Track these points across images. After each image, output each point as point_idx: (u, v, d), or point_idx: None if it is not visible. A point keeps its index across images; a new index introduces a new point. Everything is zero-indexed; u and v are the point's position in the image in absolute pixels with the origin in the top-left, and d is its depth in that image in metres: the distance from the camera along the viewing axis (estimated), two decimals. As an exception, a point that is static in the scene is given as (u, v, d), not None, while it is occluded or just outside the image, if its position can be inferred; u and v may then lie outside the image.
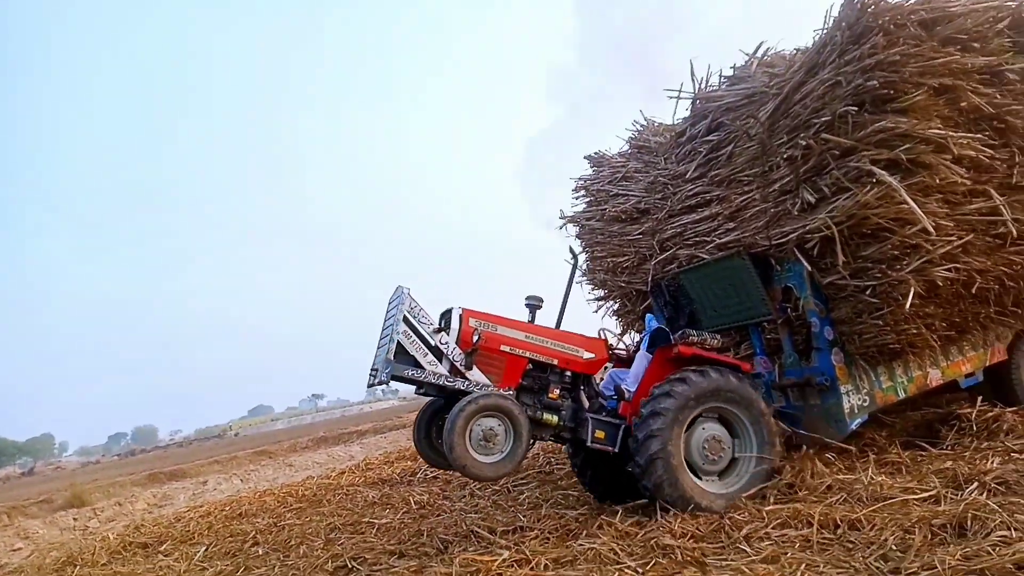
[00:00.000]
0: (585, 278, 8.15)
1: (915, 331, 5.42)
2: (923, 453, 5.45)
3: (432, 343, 5.05)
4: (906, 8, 5.17)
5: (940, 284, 5.29)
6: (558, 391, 5.36)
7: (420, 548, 5.69)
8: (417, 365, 4.96)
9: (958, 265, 5.36)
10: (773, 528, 4.32)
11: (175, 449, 47.96)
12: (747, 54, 6.73)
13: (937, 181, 5.18)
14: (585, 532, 4.91)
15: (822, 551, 3.88)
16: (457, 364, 5.03)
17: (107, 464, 48.23)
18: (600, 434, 5.29)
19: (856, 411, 5.73)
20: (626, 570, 4.05)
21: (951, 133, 5.11)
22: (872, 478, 4.84)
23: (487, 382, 5.08)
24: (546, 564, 4.32)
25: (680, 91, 6.87)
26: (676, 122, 7.27)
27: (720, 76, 6.85)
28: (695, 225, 6.59)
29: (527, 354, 5.30)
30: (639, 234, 7.23)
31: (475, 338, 5.08)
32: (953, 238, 5.27)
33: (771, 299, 6.04)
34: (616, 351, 6.13)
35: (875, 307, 5.37)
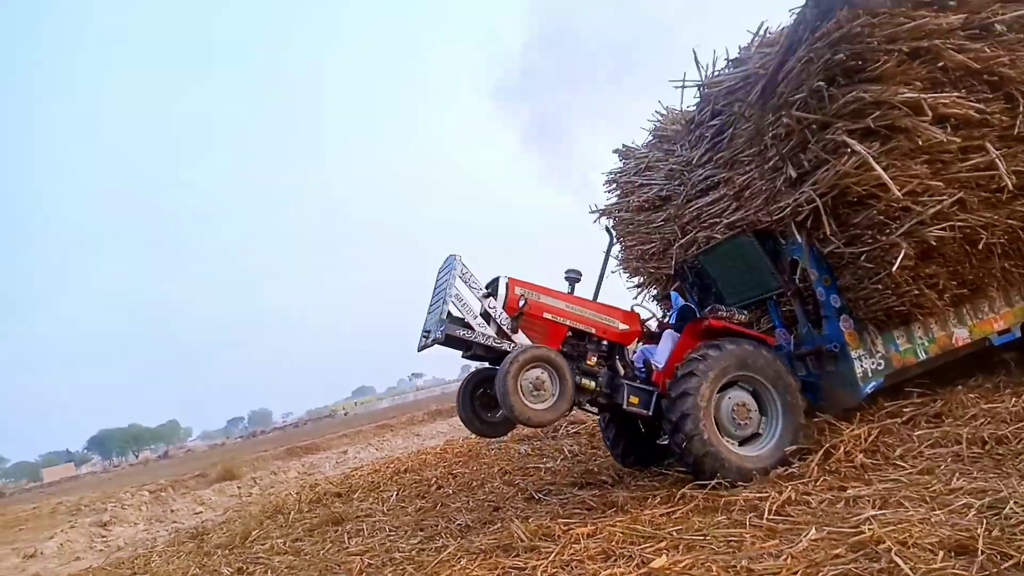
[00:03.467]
0: (622, 267, 8.56)
1: (916, 292, 5.53)
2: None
3: (481, 307, 5.50)
4: None
5: (935, 244, 5.38)
6: (595, 358, 5.73)
7: (597, 478, 6.63)
8: (467, 327, 5.38)
9: (958, 223, 5.42)
10: (925, 447, 4.96)
11: (292, 430, 50.95)
12: (752, 32, 6.92)
13: (920, 143, 5.28)
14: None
15: (973, 463, 4.48)
16: (504, 327, 5.45)
17: (232, 445, 51.87)
18: (635, 399, 5.64)
19: (870, 375, 5.87)
20: (799, 484, 4.80)
21: (924, 95, 5.19)
22: (1014, 403, 5.26)
23: (534, 344, 5.45)
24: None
25: (684, 80, 7.15)
26: (689, 108, 7.58)
27: (726, 60, 7.10)
28: (708, 207, 6.89)
29: (567, 322, 5.68)
30: (662, 221, 7.59)
31: (521, 303, 5.48)
32: (944, 197, 5.34)
33: (781, 272, 6.26)
34: (647, 326, 6.42)
35: (873, 272, 5.52)
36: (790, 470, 5.22)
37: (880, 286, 5.54)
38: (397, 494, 8.51)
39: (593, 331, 5.76)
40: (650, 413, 5.63)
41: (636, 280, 8.54)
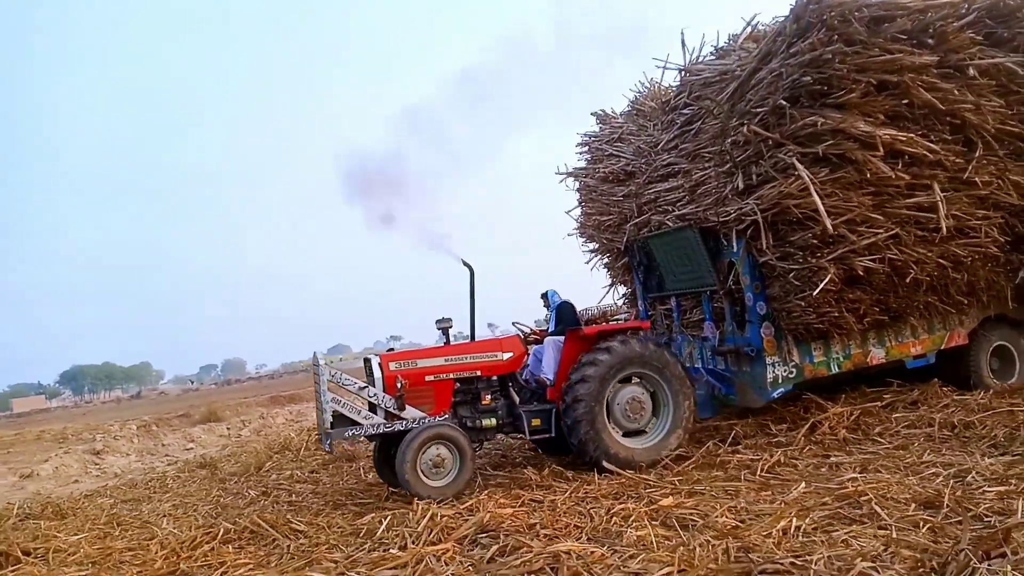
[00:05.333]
0: (579, 231, 8.69)
1: (836, 314, 5.78)
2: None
3: (363, 397, 5.63)
4: (853, 3, 5.28)
5: (863, 273, 5.59)
6: (489, 396, 5.94)
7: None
8: (356, 423, 5.55)
9: (889, 256, 5.62)
10: (902, 428, 5.66)
11: (267, 380, 51.87)
12: (746, 21, 6.85)
13: (868, 175, 5.40)
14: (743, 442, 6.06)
15: (943, 443, 5.19)
16: (391, 410, 5.59)
17: (206, 391, 51.92)
18: (536, 422, 5.88)
19: (780, 381, 6.19)
20: (787, 450, 5.47)
21: (880, 130, 5.27)
22: (982, 396, 6.03)
23: (422, 414, 5.64)
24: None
25: (667, 61, 7.09)
26: (669, 87, 7.56)
27: (713, 48, 7.04)
28: (666, 194, 6.97)
29: (451, 376, 5.84)
30: (623, 195, 7.67)
31: (399, 383, 5.59)
32: (881, 231, 5.52)
33: (718, 271, 6.47)
34: (530, 338, 6.67)
35: (799, 289, 5.74)
36: (778, 438, 5.92)
37: (803, 303, 5.77)
38: None
39: (479, 372, 5.90)
40: (553, 433, 5.86)
41: (591, 246, 8.69)
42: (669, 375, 5.83)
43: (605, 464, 5.52)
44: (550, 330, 6.62)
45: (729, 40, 7.05)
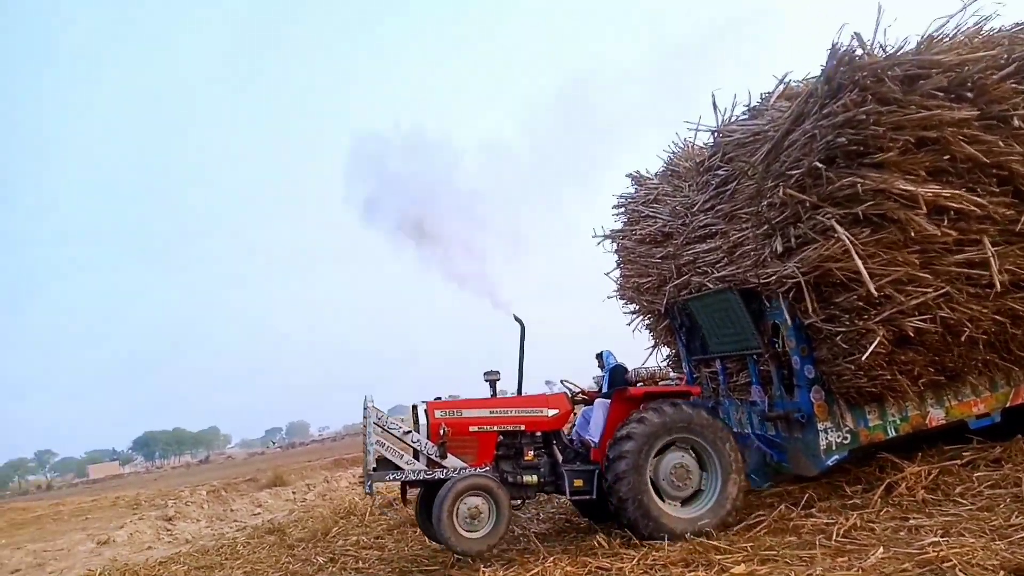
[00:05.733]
0: (618, 293, 8.63)
1: (889, 377, 5.55)
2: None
3: (407, 443, 5.66)
4: (886, 63, 5.21)
5: (913, 334, 5.38)
6: (532, 452, 5.88)
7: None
8: (397, 467, 5.58)
9: (941, 315, 5.41)
10: (985, 487, 5.29)
11: (329, 443, 53.14)
12: (778, 79, 6.83)
13: (912, 234, 5.25)
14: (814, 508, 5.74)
15: None
16: (433, 457, 5.62)
17: (271, 455, 53.71)
18: (578, 483, 5.77)
19: (834, 448, 5.93)
20: (863, 513, 5.20)
21: (922, 189, 5.13)
22: None
23: (463, 464, 5.64)
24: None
25: (698, 124, 7.11)
26: (703, 147, 7.54)
27: (745, 107, 7.03)
28: (705, 255, 6.89)
29: (495, 428, 5.83)
30: (660, 257, 7.61)
31: (442, 431, 5.63)
32: (930, 290, 5.32)
33: (762, 333, 6.30)
34: (578, 397, 6.57)
35: (847, 352, 5.55)
36: (853, 500, 5.60)
37: (853, 366, 5.56)
38: None
39: (523, 427, 5.88)
40: (594, 495, 5.73)
41: (631, 307, 8.60)
42: (717, 442, 5.65)
43: (645, 532, 5.36)
44: (603, 391, 6.51)
45: (762, 99, 7.01)
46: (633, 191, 8.52)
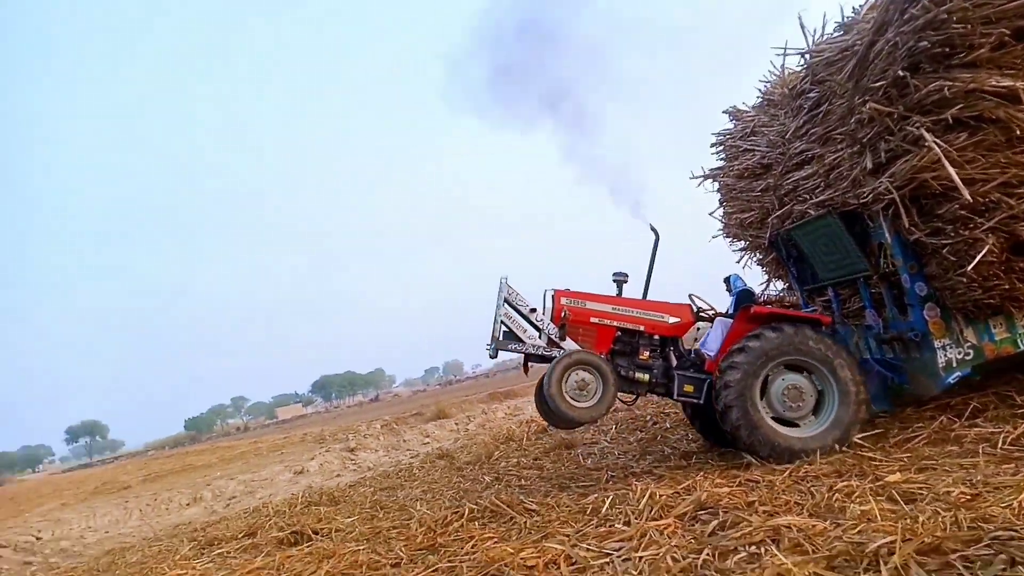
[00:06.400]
0: (724, 231, 8.55)
1: (1008, 286, 5.26)
2: None
3: (531, 320, 6.14)
4: None
5: None
6: (647, 353, 6.16)
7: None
8: (520, 340, 6.08)
9: None
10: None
11: (483, 379, 56.08)
12: None
13: (1019, 132, 4.91)
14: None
15: None
16: (552, 336, 6.08)
17: (432, 392, 58.29)
18: (688, 387, 6.02)
19: (955, 365, 5.71)
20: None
21: (1020, 82, 4.77)
22: None
23: (579, 349, 6.01)
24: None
25: (786, 47, 6.89)
26: (796, 71, 7.28)
27: (836, 23, 6.72)
28: (803, 182, 6.74)
29: (615, 323, 6.17)
30: (761, 190, 7.48)
31: (564, 314, 6.07)
32: None
33: (868, 255, 6.13)
34: (703, 312, 6.62)
35: (957, 264, 5.31)
36: (1023, 409, 5.35)
37: (965, 279, 5.32)
38: (616, 427, 9.63)
39: (642, 328, 6.14)
40: (701, 401, 5.95)
41: (739, 244, 8.51)
42: (836, 368, 5.61)
43: (759, 451, 5.47)
44: (727, 313, 6.64)
45: (854, 12, 6.68)
46: (732, 127, 8.36)
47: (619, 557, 3.98)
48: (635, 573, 3.71)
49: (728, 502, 4.39)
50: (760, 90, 8.02)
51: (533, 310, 6.16)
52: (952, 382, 5.73)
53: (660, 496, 4.82)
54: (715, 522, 4.11)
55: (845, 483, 4.36)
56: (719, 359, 5.91)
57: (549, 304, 6.21)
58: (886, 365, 6.31)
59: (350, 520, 6.99)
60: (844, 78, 5.77)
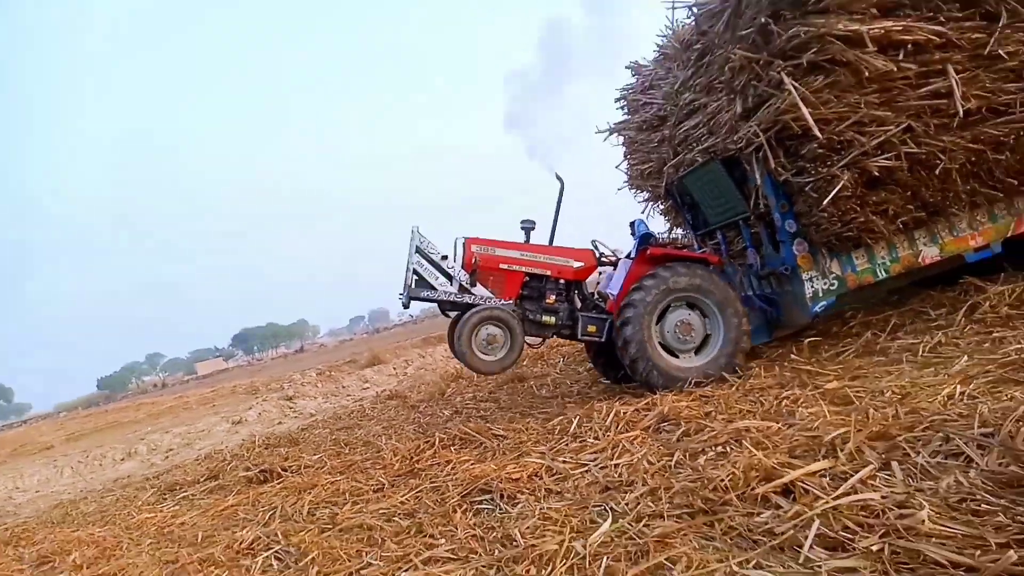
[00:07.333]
0: (628, 183, 8.89)
1: (863, 219, 5.72)
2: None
3: (443, 268, 6.29)
4: None
5: (880, 174, 5.51)
6: (554, 296, 6.46)
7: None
8: (432, 287, 6.23)
9: (909, 150, 5.48)
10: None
11: (412, 326, 55.31)
12: None
13: (867, 74, 5.31)
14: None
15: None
16: (463, 283, 6.26)
17: (359, 340, 56.71)
18: (591, 328, 6.38)
19: (821, 295, 6.19)
20: (949, 331, 5.47)
21: (867, 26, 5.16)
22: None
23: (490, 295, 6.28)
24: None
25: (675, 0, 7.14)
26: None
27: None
28: (692, 131, 7.09)
29: (523, 269, 6.42)
30: (658, 141, 7.83)
31: (474, 261, 6.27)
32: (891, 127, 5.41)
33: (747, 197, 6.53)
34: (604, 258, 6.95)
35: (818, 201, 5.72)
36: (938, 322, 5.84)
37: (826, 214, 5.75)
38: (563, 360, 9.85)
39: (549, 273, 6.43)
40: (603, 339, 6.31)
41: (643, 196, 8.87)
42: (723, 304, 6.06)
43: (655, 382, 5.89)
44: (629, 255, 6.94)
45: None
46: (634, 82, 8.65)
47: (596, 465, 4.39)
48: (615, 476, 4.11)
49: (688, 414, 4.86)
50: (657, 44, 8.32)
51: (444, 257, 6.32)
52: (819, 311, 6.22)
53: (625, 412, 5.20)
54: (679, 431, 4.59)
55: (789, 392, 4.87)
56: (620, 298, 6.27)
57: (460, 252, 6.39)
58: (765, 300, 6.78)
59: (317, 456, 7.04)
60: (721, 28, 6.09)
